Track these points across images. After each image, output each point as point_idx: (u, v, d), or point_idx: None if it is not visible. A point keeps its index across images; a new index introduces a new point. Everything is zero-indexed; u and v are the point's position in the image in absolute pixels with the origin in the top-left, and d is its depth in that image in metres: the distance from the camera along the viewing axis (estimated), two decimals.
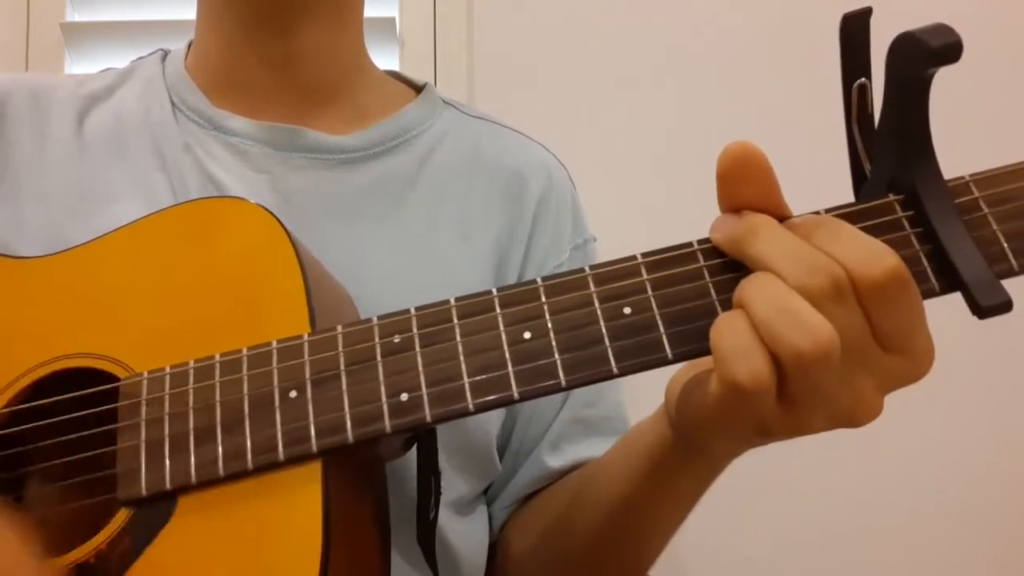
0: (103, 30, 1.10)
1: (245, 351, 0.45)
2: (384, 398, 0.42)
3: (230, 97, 0.64)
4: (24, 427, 0.47)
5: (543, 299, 0.43)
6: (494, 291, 0.44)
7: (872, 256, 0.37)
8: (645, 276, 0.42)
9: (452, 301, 0.44)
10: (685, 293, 0.42)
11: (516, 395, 0.41)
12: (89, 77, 0.68)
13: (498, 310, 0.43)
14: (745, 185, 0.40)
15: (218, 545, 0.42)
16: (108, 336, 0.48)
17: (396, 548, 0.53)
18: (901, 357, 0.38)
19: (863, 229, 0.40)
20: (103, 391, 0.46)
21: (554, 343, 0.42)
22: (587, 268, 0.43)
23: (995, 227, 0.40)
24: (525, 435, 0.65)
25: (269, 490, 0.42)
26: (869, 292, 0.37)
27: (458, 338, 0.43)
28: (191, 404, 0.44)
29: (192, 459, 0.43)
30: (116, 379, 0.46)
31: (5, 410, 0.47)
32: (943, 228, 0.40)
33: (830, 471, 0.99)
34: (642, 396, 0.59)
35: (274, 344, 0.45)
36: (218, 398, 0.44)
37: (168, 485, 0.43)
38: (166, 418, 0.44)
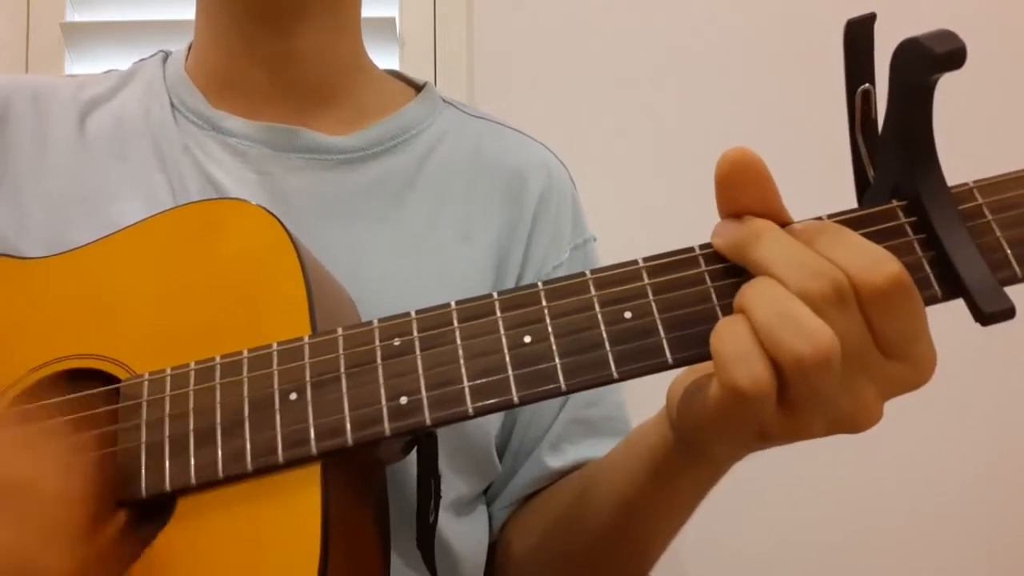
0: (103, 30, 1.10)
1: (246, 353, 0.45)
2: (384, 401, 0.42)
3: (229, 98, 0.64)
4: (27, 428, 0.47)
5: (544, 303, 0.43)
6: (495, 295, 0.44)
7: (874, 262, 0.37)
8: (646, 280, 0.42)
9: (453, 304, 0.44)
10: (686, 298, 0.41)
11: (516, 399, 0.41)
12: (90, 79, 0.68)
13: (499, 313, 0.43)
14: (744, 190, 0.40)
15: (217, 547, 0.42)
16: (109, 337, 0.48)
17: (395, 550, 0.52)
18: (902, 364, 0.38)
19: (865, 235, 0.40)
20: (104, 392, 0.46)
21: (554, 347, 0.42)
22: (588, 272, 0.43)
23: (999, 234, 0.40)
24: (525, 435, 0.65)
25: (268, 492, 0.42)
26: (871, 298, 0.37)
27: (458, 341, 0.43)
28: (191, 406, 0.44)
29: (192, 461, 0.43)
30: (117, 380, 0.46)
31: (9, 410, 0.47)
32: (946, 234, 0.40)
33: (830, 473, 0.99)
34: (643, 397, 0.59)
35: (274, 346, 0.45)
36: (218, 400, 0.44)
37: (168, 487, 0.43)
38: (166, 420, 0.44)
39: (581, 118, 1.09)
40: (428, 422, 0.42)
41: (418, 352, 0.43)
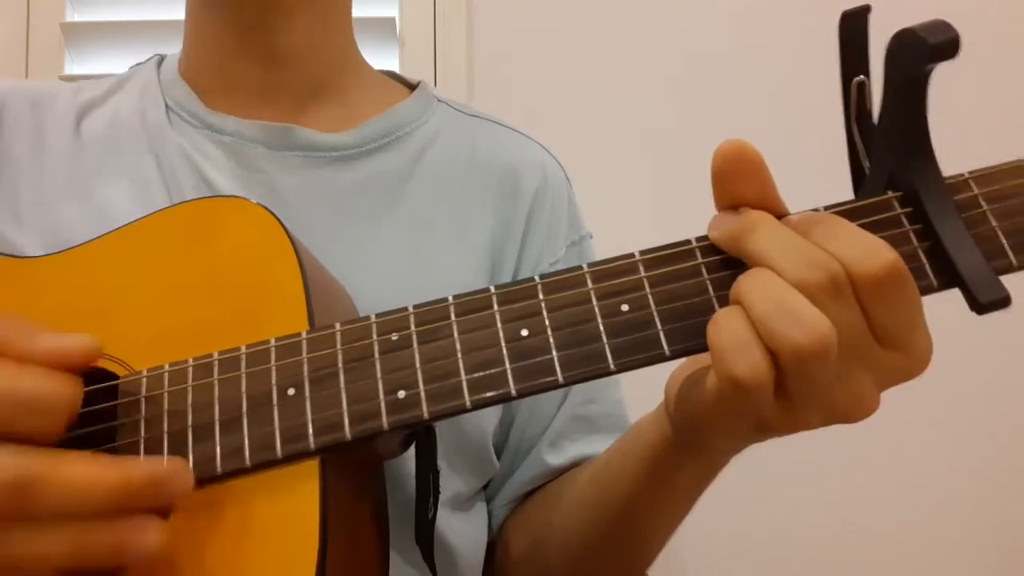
0: (103, 30, 1.10)
1: (244, 349, 0.45)
2: (382, 395, 0.42)
3: (223, 98, 0.65)
4: None
5: (541, 296, 0.43)
6: (492, 288, 0.44)
7: (869, 252, 0.37)
8: (643, 273, 0.42)
9: (450, 299, 0.44)
10: (683, 290, 0.42)
11: (514, 392, 0.41)
12: (87, 84, 0.69)
13: (496, 307, 0.43)
14: (740, 182, 0.40)
15: (216, 542, 0.42)
16: (108, 335, 0.48)
17: (394, 546, 0.53)
18: (899, 353, 0.38)
19: (862, 226, 0.40)
20: (103, 389, 0.46)
21: (552, 340, 0.42)
22: (585, 266, 0.43)
23: (994, 223, 0.40)
24: (524, 433, 0.65)
25: (267, 488, 0.42)
26: (867, 288, 0.37)
27: (456, 335, 0.43)
28: (190, 402, 0.44)
29: (191, 457, 0.43)
30: (116, 377, 0.46)
31: None
32: (942, 225, 0.40)
33: (829, 471, 0.99)
34: (643, 393, 0.59)
35: (272, 342, 0.45)
36: (216, 396, 0.44)
37: None
38: (165, 416, 0.44)
39: (581, 118, 1.09)
40: (426, 416, 0.42)
41: (415, 346, 0.43)
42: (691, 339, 0.40)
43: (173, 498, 0.39)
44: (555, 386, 0.41)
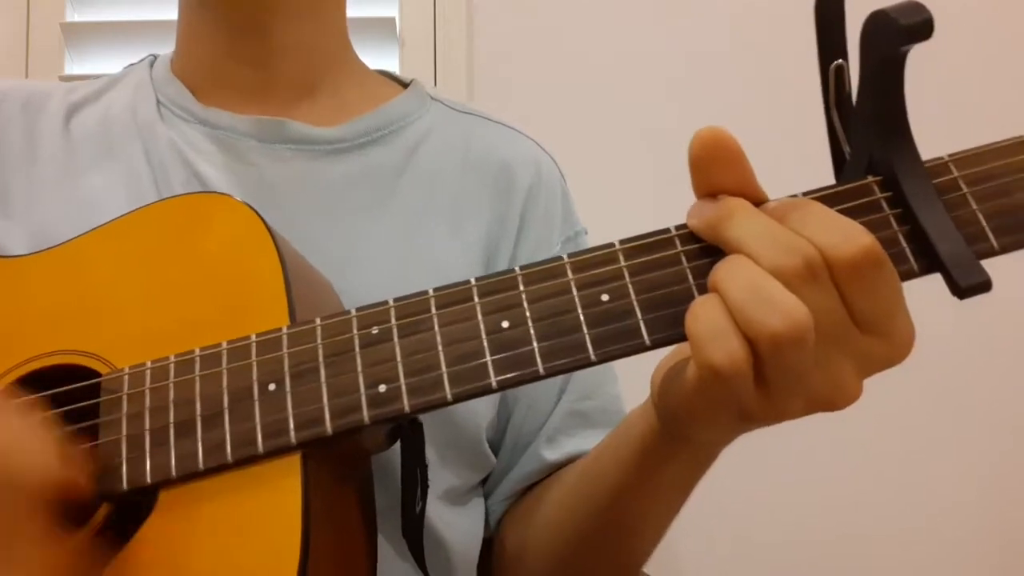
0: (103, 30, 1.11)
1: (225, 345, 0.45)
2: (362, 389, 0.42)
3: (215, 94, 0.65)
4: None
5: (521, 288, 0.43)
6: (472, 280, 0.44)
7: (846, 236, 0.37)
8: (623, 263, 0.42)
9: (431, 291, 0.44)
10: (663, 279, 0.41)
11: (494, 384, 0.41)
12: (80, 84, 0.69)
13: (476, 299, 0.43)
14: (718, 170, 0.40)
15: (199, 539, 0.42)
16: (90, 333, 0.48)
17: (385, 540, 0.52)
18: (879, 339, 0.38)
19: (841, 211, 0.40)
20: (85, 387, 0.46)
21: (532, 331, 0.42)
22: (565, 256, 0.43)
23: (974, 206, 0.40)
24: (522, 429, 0.65)
25: (249, 483, 0.42)
26: (843, 272, 0.37)
27: (436, 328, 0.43)
28: (171, 399, 0.44)
29: (172, 453, 0.43)
30: (98, 375, 0.46)
31: None
32: (921, 208, 0.39)
33: (830, 474, 0.99)
34: (640, 389, 0.58)
35: (253, 338, 0.45)
36: (198, 392, 0.44)
37: (148, 479, 0.43)
38: (146, 413, 0.44)
39: (581, 118, 1.09)
40: (407, 409, 0.42)
41: (396, 340, 0.43)
42: (671, 328, 0.40)
43: None
44: (536, 377, 0.41)
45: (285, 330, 0.45)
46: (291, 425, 0.42)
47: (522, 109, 0.77)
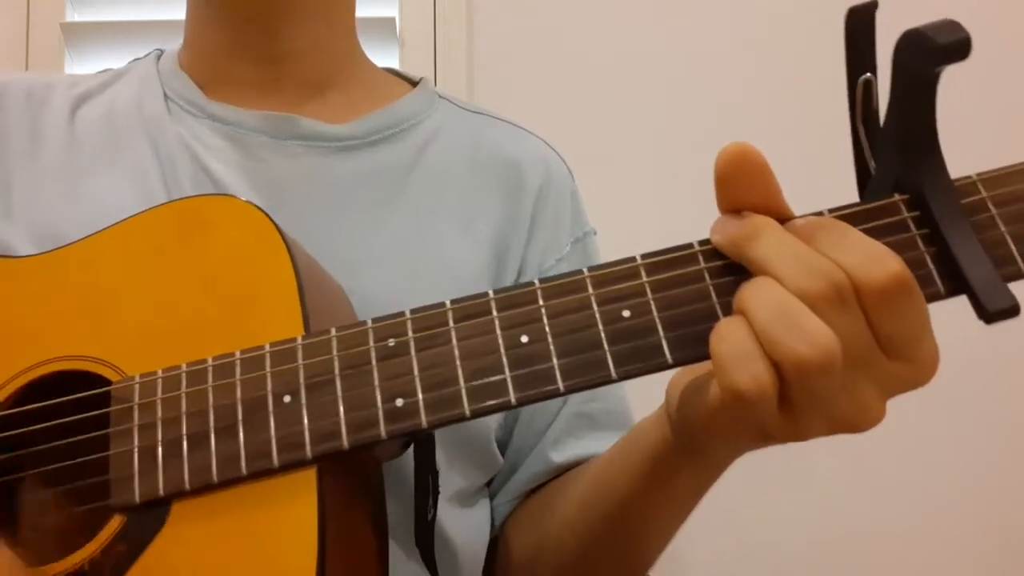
0: (103, 30, 1.10)
1: (238, 355, 0.44)
2: (379, 403, 0.42)
3: (223, 90, 0.64)
4: (16, 432, 0.46)
5: (540, 302, 0.42)
6: (490, 293, 0.43)
7: (874, 260, 0.36)
8: (645, 278, 0.41)
9: (448, 304, 0.43)
10: (685, 296, 0.41)
11: (514, 400, 0.41)
12: (84, 77, 0.68)
13: (495, 313, 0.42)
14: (744, 186, 0.39)
15: (212, 553, 0.41)
16: (100, 338, 0.47)
17: (395, 543, 0.52)
18: (905, 363, 0.38)
19: (868, 230, 0.39)
20: (94, 395, 0.45)
21: (552, 347, 0.41)
22: (586, 270, 0.42)
23: (1003, 228, 0.39)
24: (528, 430, 0.65)
25: (264, 497, 0.42)
26: (872, 297, 0.36)
27: (454, 342, 0.42)
28: (184, 409, 0.43)
29: (186, 465, 0.42)
30: (106, 381, 0.46)
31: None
32: (950, 230, 0.39)
33: (830, 474, 0.99)
34: (644, 392, 0.58)
35: (267, 347, 0.44)
36: (211, 403, 0.43)
37: (161, 492, 0.42)
38: (159, 423, 0.43)
39: (581, 118, 1.08)
40: (425, 425, 0.41)
41: (413, 353, 0.42)
42: (694, 347, 0.40)
43: None
44: (556, 395, 0.41)
45: (300, 340, 0.44)
46: (307, 439, 0.42)
47: (522, 109, 0.76)
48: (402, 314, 0.43)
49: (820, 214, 0.41)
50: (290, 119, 0.62)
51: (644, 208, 1.05)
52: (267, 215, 0.49)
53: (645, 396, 0.56)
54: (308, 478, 0.42)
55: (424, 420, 0.41)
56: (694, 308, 0.40)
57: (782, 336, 0.35)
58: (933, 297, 0.39)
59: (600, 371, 0.40)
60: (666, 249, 0.42)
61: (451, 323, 0.43)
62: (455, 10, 1.10)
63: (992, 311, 0.38)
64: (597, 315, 0.41)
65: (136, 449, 0.43)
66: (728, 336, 0.37)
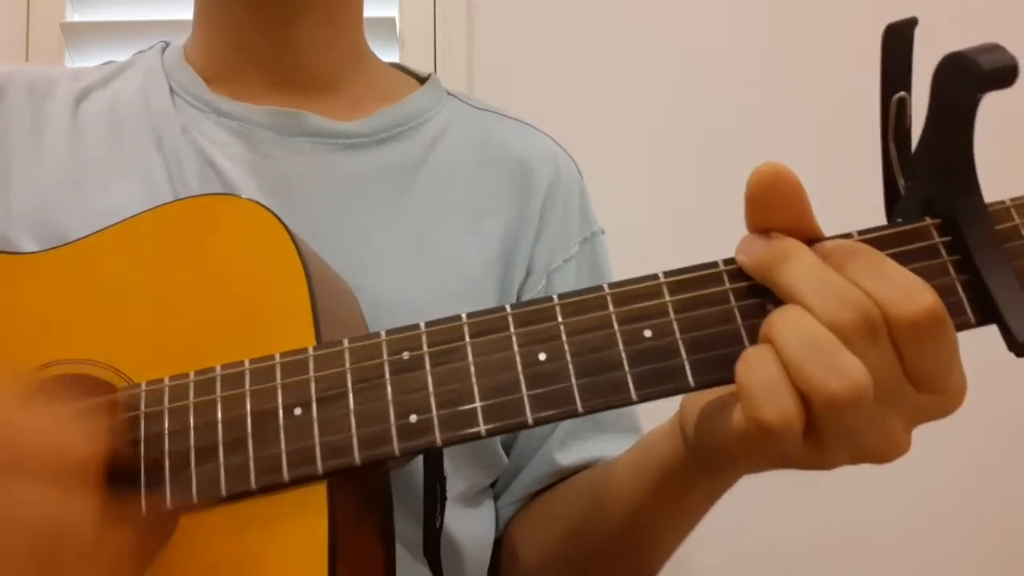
0: (103, 30, 1.09)
1: (247, 364, 0.43)
2: (393, 420, 0.41)
3: (230, 86, 0.62)
4: None
5: (559, 319, 0.41)
6: (508, 308, 0.42)
7: (908, 294, 0.35)
8: (667, 297, 0.40)
9: (464, 317, 0.42)
10: (709, 318, 0.40)
11: (531, 420, 0.40)
12: (87, 70, 0.66)
13: (512, 329, 0.41)
14: (776, 207, 0.38)
15: (221, 567, 0.41)
16: (104, 341, 0.46)
17: (400, 544, 0.52)
18: (934, 395, 0.37)
19: (898, 254, 0.38)
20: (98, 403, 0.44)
21: (571, 367, 0.40)
22: (606, 286, 0.41)
23: None
24: (534, 431, 0.64)
25: (274, 512, 0.41)
26: (903, 331, 0.35)
27: (470, 358, 0.41)
28: (191, 420, 0.42)
29: (193, 478, 0.41)
30: (109, 387, 0.44)
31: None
32: (983, 257, 0.38)
33: (833, 472, 0.98)
34: None
35: (277, 358, 0.43)
36: (219, 415, 0.42)
37: (168, 505, 0.41)
38: (166, 435, 0.42)
39: (581, 118, 1.07)
40: (439, 443, 0.40)
41: (428, 368, 0.41)
42: (717, 371, 0.39)
43: None
44: (574, 415, 0.40)
45: (311, 351, 0.43)
46: (318, 454, 0.41)
47: (522, 109, 0.75)
48: (417, 327, 0.42)
49: (849, 236, 0.40)
50: (297, 115, 0.61)
51: (644, 208, 1.04)
52: (276, 215, 0.48)
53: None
54: (318, 493, 0.41)
55: (439, 438, 0.40)
56: (718, 330, 0.39)
57: (813, 370, 0.34)
58: (963, 326, 0.38)
59: (620, 393, 0.39)
60: (690, 267, 0.41)
61: (467, 338, 0.41)
62: (455, 10, 1.09)
63: (1023, 343, 0.37)
64: (618, 335, 0.40)
65: (142, 460, 0.42)
66: (756, 366, 0.36)
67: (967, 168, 0.38)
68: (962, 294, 0.38)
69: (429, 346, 0.42)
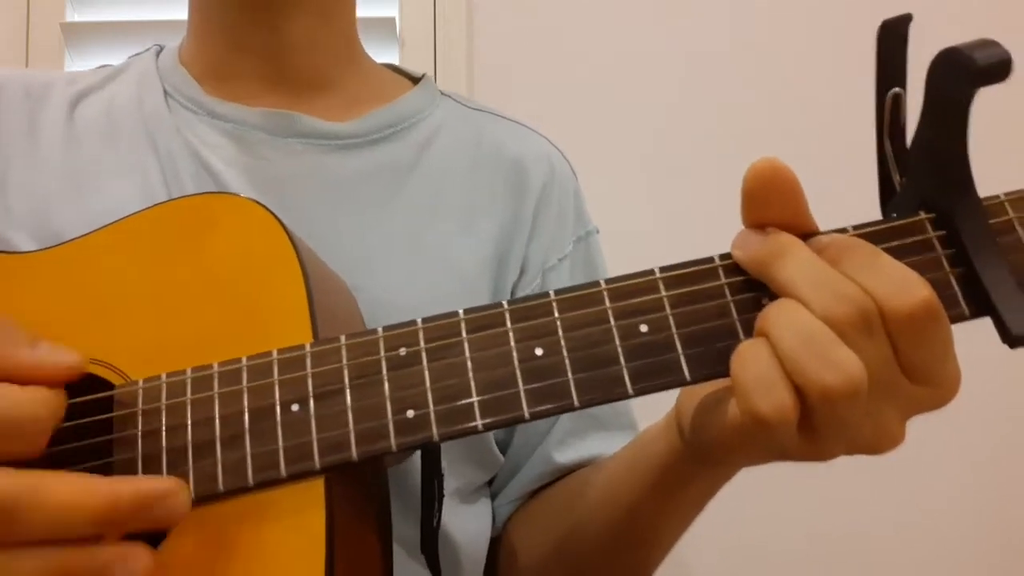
0: (103, 30, 1.09)
1: (244, 361, 0.43)
2: (390, 415, 0.41)
3: (223, 86, 0.63)
4: None
5: (556, 314, 0.41)
6: (504, 304, 0.42)
7: (903, 288, 0.35)
8: (663, 293, 0.40)
9: (461, 313, 0.42)
10: (705, 312, 0.40)
11: (527, 415, 0.40)
12: (82, 73, 0.66)
13: (509, 325, 0.41)
14: (773, 203, 0.39)
15: (218, 563, 0.41)
16: (101, 339, 0.46)
17: (398, 541, 0.52)
18: (928, 387, 0.37)
19: (893, 248, 0.38)
20: (96, 399, 0.44)
21: (567, 362, 0.40)
22: (603, 282, 0.41)
23: None
24: (530, 430, 0.64)
25: (271, 507, 0.41)
26: (899, 324, 0.35)
27: (467, 354, 0.41)
28: (189, 416, 0.42)
29: (191, 474, 0.41)
30: (107, 384, 0.45)
31: None
32: (977, 251, 0.38)
33: (832, 469, 0.97)
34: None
35: (274, 354, 0.43)
36: (217, 411, 0.42)
37: None
38: (163, 431, 0.42)
39: (581, 118, 1.08)
40: (436, 438, 0.40)
41: (425, 364, 0.41)
42: (712, 365, 0.39)
43: (166, 520, 0.37)
44: (570, 409, 0.40)
45: (308, 348, 0.43)
46: (315, 449, 0.41)
47: (522, 109, 0.76)
48: (414, 323, 0.42)
49: (844, 231, 0.40)
50: (290, 116, 0.61)
51: (644, 208, 1.04)
52: (273, 214, 0.48)
53: (648, 398, 0.56)
54: (316, 488, 0.41)
55: (435, 433, 0.40)
56: (713, 325, 0.40)
57: (808, 364, 0.34)
58: (957, 319, 0.38)
59: (616, 387, 0.40)
60: (685, 263, 0.41)
61: (464, 334, 0.42)
62: (455, 10, 1.10)
63: (1017, 334, 0.37)
64: (614, 330, 0.40)
65: (140, 457, 0.42)
66: (751, 360, 0.36)
67: (962, 163, 0.38)
68: (956, 287, 0.39)
69: (426, 342, 0.42)
